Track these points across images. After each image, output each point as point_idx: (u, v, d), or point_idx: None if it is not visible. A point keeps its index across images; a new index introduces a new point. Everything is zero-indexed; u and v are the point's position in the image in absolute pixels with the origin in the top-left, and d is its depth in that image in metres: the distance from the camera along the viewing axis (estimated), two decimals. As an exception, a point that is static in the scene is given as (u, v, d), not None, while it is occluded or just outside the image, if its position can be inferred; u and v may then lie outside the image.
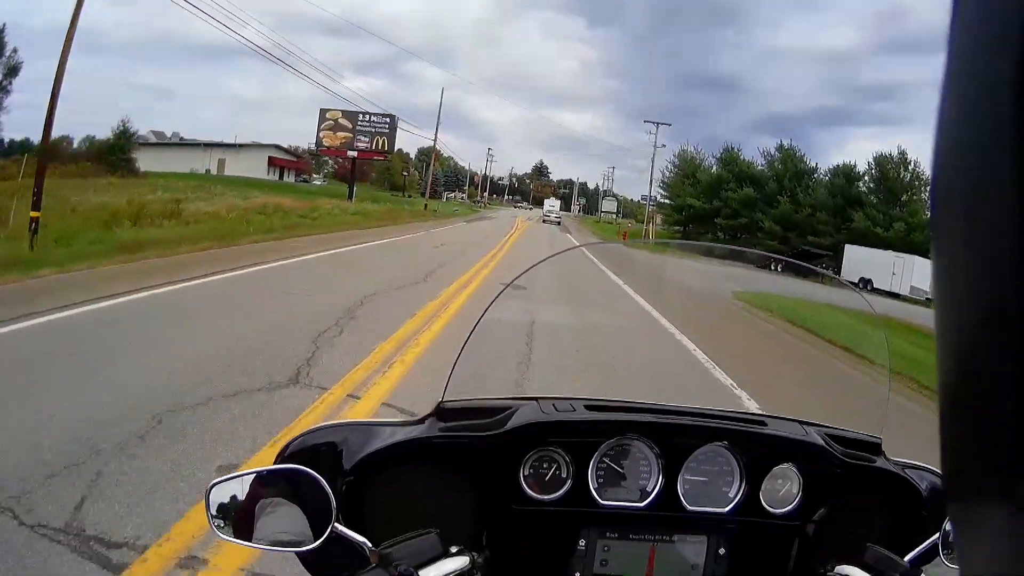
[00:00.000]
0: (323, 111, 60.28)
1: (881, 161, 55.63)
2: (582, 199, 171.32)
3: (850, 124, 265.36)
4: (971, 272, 0.38)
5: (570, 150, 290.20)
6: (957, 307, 0.39)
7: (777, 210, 56.44)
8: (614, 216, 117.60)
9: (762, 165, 62.22)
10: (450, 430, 1.44)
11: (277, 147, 78.10)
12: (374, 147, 59.64)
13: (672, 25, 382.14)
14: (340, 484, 1.31)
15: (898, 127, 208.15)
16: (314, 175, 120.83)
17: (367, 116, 59.90)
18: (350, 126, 59.65)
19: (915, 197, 53.60)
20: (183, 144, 77.93)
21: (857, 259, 46.59)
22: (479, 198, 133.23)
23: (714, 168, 65.22)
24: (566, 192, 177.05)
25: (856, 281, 45.42)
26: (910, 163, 54.32)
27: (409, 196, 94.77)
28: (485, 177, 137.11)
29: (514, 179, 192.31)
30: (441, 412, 1.45)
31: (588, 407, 1.52)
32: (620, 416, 1.51)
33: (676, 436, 1.49)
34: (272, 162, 77.28)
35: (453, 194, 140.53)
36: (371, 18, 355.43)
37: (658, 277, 17.91)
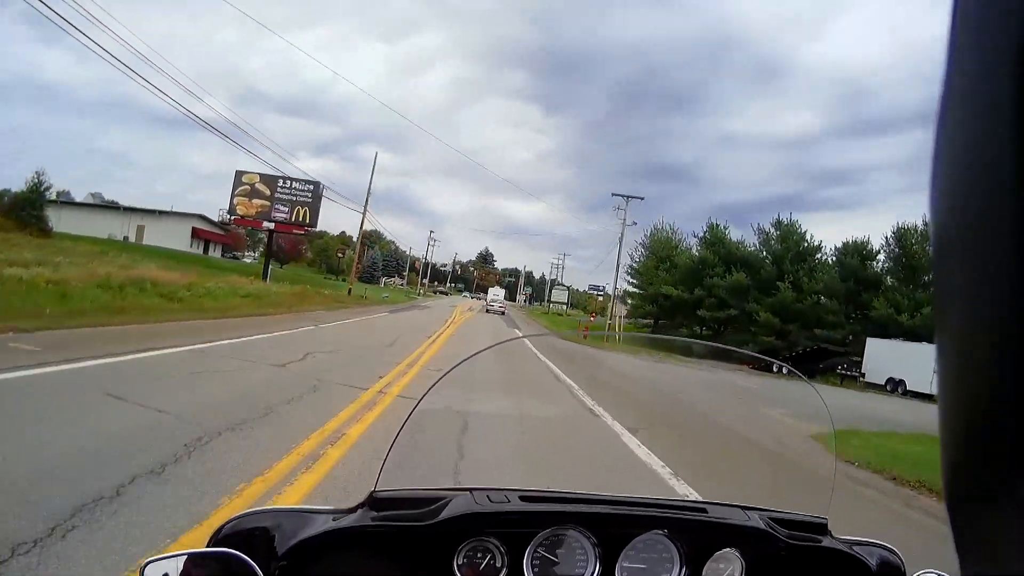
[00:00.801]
0: (239, 173, 50.96)
1: (902, 235, 47.14)
2: (528, 288, 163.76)
3: (803, 209, 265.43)
4: (971, 277, 0.38)
5: (518, 239, 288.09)
6: (957, 310, 0.39)
7: (775, 298, 47.18)
8: (564, 307, 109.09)
9: (754, 245, 53.24)
10: (383, 519, 1.44)
11: (202, 218, 69.08)
12: (294, 218, 50.39)
13: (627, 115, 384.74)
14: (273, 569, 1.31)
15: (849, 211, 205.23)
16: (247, 252, 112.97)
17: (288, 183, 50.73)
18: (268, 192, 50.59)
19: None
20: (105, 207, 71.32)
21: (882, 355, 37.76)
22: (420, 285, 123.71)
23: (695, 250, 56.13)
24: (511, 280, 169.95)
25: (884, 383, 36.97)
26: (935, 235, 46.44)
27: (343, 280, 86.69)
28: (426, 264, 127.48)
29: (458, 266, 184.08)
30: (374, 501, 1.47)
31: (523, 498, 1.54)
32: (555, 507, 1.54)
33: (613, 525, 1.52)
34: (196, 233, 69.98)
35: (392, 279, 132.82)
36: (326, 100, 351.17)
37: (654, 391, 16.82)
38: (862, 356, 39.74)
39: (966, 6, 0.39)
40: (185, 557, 1.24)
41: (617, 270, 53.52)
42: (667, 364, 31.32)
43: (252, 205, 50.32)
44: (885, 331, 40.94)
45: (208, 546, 1.32)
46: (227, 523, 1.40)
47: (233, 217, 52.21)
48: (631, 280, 61.91)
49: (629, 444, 9.61)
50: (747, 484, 8.39)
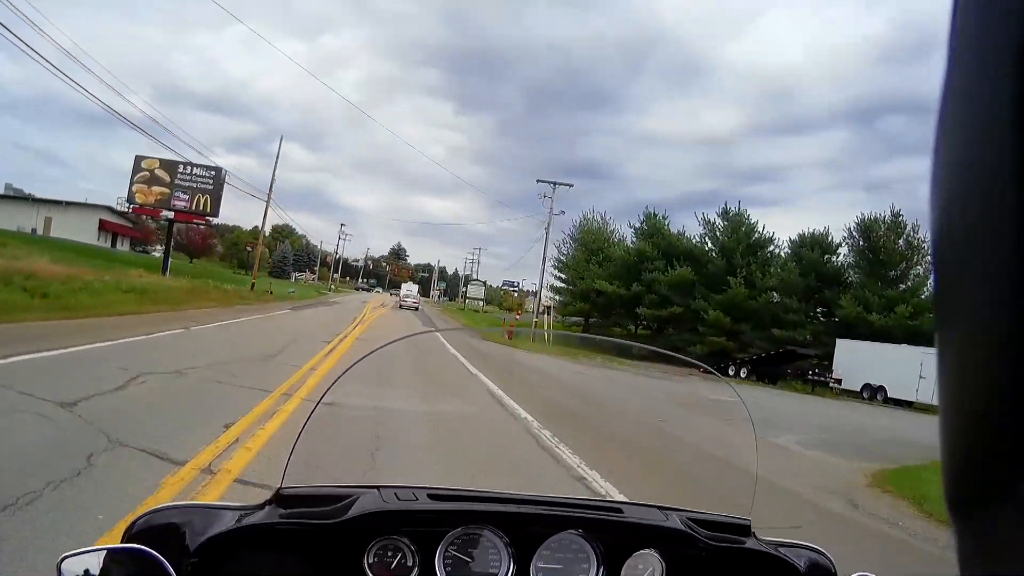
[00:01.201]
0: (138, 159, 46.58)
1: (868, 226, 43.94)
2: (442, 284, 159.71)
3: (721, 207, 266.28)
4: (971, 277, 0.38)
5: (431, 235, 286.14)
6: (957, 310, 0.40)
7: (725, 295, 43.22)
8: (481, 303, 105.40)
9: (698, 237, 49.16)
10: (291, 517, 1.43)
11: (110, 209, 63.63)
12: (195, 207, 46.43)
13: (544, 113, 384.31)
14: (185, 566, 1.30)
15: (770, 207, 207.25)
16: (159, 246, 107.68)
17: (188, 169, 46.65)
18: (168, 179, 46.57)
19: (913, 272, 42.34)
20: (15, 198, 66.14)
21: (856, 358, 34.61)
22: (331, 280, 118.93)
23: (630, 241, 52.13)
24: (425, 276, 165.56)
25: (860, 390, 33.65)
26: (904, 227, 42.85)
27: (247, 274, 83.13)
28: (337, 259, 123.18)
29: (370, 261, 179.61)
30: (280, 498, 1.46)
31: (432, 496, 1.55)
32: (465, 506, 1.54)
33: (526, 525, 1.52)
34: (104, 226, 65.80)
35: (303, 274, 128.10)
36: (245, 97, 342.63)
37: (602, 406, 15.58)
38: (831, 360, 36.70)
39: (966, 6, 0.39)
40: (103, 552, 1.23)
41: (544, 263, 49.67)
42: (610, 370, 28.23)
43: (151, 193, 46.22)
44: (852, 331, 38.24)
45: (122, 542, 1.32)
46: (139, 518, 1.40)
47: (132, 206, 47.78)
48: (559, 275, 57.69)
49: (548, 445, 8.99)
50: (671, 485, 8.22)
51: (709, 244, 48.22)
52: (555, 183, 48.82)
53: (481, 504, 1.55)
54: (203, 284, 37.42)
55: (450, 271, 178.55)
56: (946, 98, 0.40)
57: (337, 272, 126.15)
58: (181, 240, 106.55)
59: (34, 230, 57.13)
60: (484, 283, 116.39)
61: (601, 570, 1.50)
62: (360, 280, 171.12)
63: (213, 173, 47.09)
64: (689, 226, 59.36)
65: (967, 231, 0.38)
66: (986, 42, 0.36)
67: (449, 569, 1.46)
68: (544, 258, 49.35)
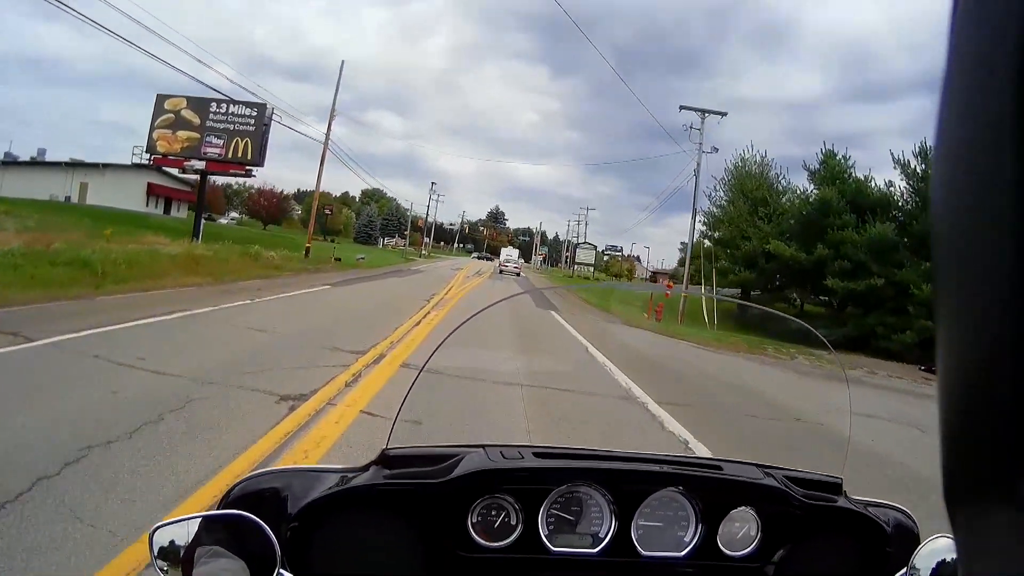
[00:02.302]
0: (160, 98, 36.65)
1: None
2: (544, 249, 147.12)
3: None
4: (972, 276, 0.39)
5: (528, 200, 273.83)
6: (959, 314, 0.40)
7: None
8: (591, 269, 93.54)
9: (886, 186, 33.05)
10: (395, 477, 1.41)
11: (161, 171, 51.34)
12: (231, 154, 35.81)
13: (633, 77, 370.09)
14: (285, 530, 1.28)
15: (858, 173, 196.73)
16: (234, 213, 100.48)
17: (223, 107, 36.11)
18: (198, 122, 36.16)
19: None
20: (47, 164, 59.38)
21: None
22: (422, 245, 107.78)
23: (808, 192, 35.99)
24: (525, 240, 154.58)
25: None
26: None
27: (333, 242, 73.53)
28: (429, 222, 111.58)
29: (466, 225, 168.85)
30: (386, 459, 1.44)
31: (537, 454, 1.52)
32: (570, 463, 1.52)
33: (628, 482, 1.51)
34: (153, 190, 59.50)
35: (392, 240, 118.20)
36: (331, 64, 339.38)
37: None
38: None
39: (966, 6, 0.39)
40: (196, 520, 1.21)
41: (693, 217, 35.28)
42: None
43: (176, 139, 36.24)
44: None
45: (218, 508, 1.29)
46: (236, 485, 1.37)
47: (153, 157, 37.41)
48: (708, 234, 42.21)
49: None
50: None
51: (910, 195, 32.13)
52: (704, 111, 35.07)
53: (586, 462, 1.52)
54: (246, 250, 27.81)
55: (550, 236, 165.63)
56: (946, 97, 0.40)
57: (429, 236, 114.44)
58: (251, 206, 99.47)
59: (68, 198, 50.76)
60: (594, 247, 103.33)
61: (700, 527, 1.50)
62: (455, 245, 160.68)
63: (255, 112, 36.25)
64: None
65: (967, 231, 0.39)
66: (986, 41, 0.37)
67: (552, 527, 1.45)
68: (693, 212, 35.37)
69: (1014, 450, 0.36)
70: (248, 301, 14.90)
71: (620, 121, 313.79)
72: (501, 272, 62.81)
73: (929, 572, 1.47)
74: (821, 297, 35.57)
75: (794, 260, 32.74)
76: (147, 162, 37.75)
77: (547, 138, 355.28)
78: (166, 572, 1.17)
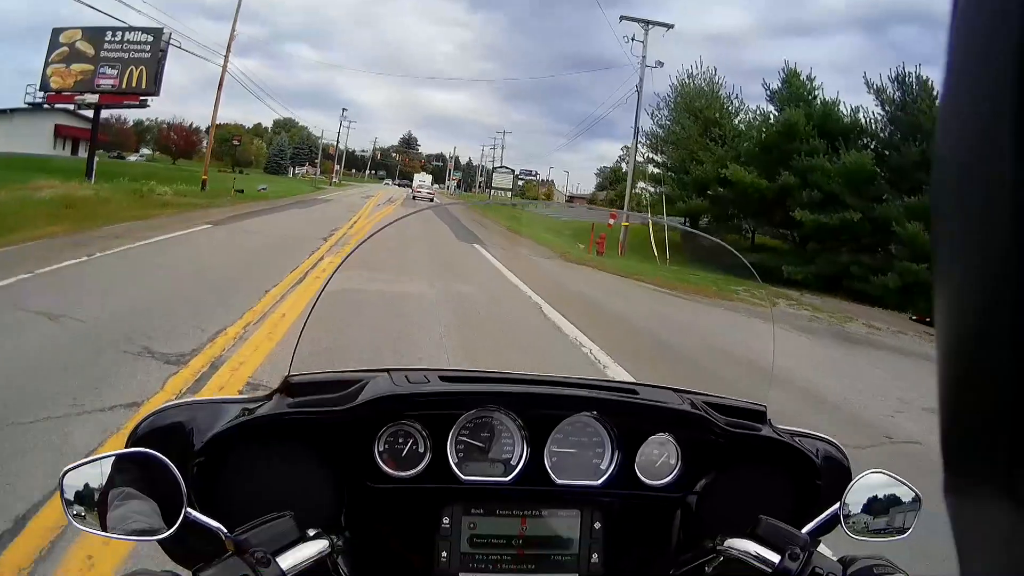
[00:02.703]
0: (56, 31, 34.06)
1: None
2: (457, 174, 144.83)
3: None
4: (972, 273, 0.39)
5: (442, 128, 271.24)
6: (957, 304, 0.40)
7: (925, 198, 24.99)
8: (508, 194, 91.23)
9: (857, 112, 29.59)
10: (298, 405, 1.39)
11: (69, 112, 49.47)
12: (126, 84, 33.52)
13: (553, 6, 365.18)
14: (191, 467, 1.27)
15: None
16: (146, 150, 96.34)
17: (118, 35, 33.67)
18: (92, 53, 33.74)
19: None
20: None
21: None
22: (333, 173, 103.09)
23: (768, 110, 32.26)
24: (438, 166, 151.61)
25: None
26: None
27: (241, 172, 71.13)
28: (340, 149, 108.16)
29: (378, 152, 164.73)
30: (288, 387, 1.41)
31: (443, 378, 1.51)
32: (478, 387, 1.51)
33: (540, 407, 1.47)
34: (60, 131, 56.17)
35: (304, 169, 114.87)
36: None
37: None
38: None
39: (966, 6, 0.39)
40: (109, 460, 1.17)
41: (636, 136, 32.58)
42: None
43: (70, 73, 33.99)
44: None
45: (126, 446, 1.27)
46: (143, 421, 1.35)
47: (47, 94, 34.82)
48: (652, 157, 38.89)
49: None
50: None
51: (880, 122, 29.24)
52: (647, 22, 32.43)
53: (494, 385, 1.50)
54: (133, 187, 25.90)
55: (463, 161, 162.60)
56: (946, 97, 0.40)
57: (340, 164, 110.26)
58: (161, 141, 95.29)
59: None
60: (512, 171, 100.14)
61: (616, 454, 1.47)
62: (367, 172, 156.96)
63: (150, 38, 33.89)
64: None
65: (968, 229, 0.39)
66: (986, 42, 0.37)
67: (462, 455, 1.42)
68: (636, 129, 32.62)
69: (1014, 447, 0.36)
70: (86, 258, 11.45)
71: (540, 53, 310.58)
72: (414, 198, 61.04)
73: (861, 507, 1.42)
74: (781, 231, 32.44)
75: (754, 188, 29.48)
76: (40, 100, 35.24)
77: (464, 68, 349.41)
78: (84, 517, 1.14)
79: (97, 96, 33.21)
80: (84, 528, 1.15)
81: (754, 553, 1.31)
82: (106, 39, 33.23)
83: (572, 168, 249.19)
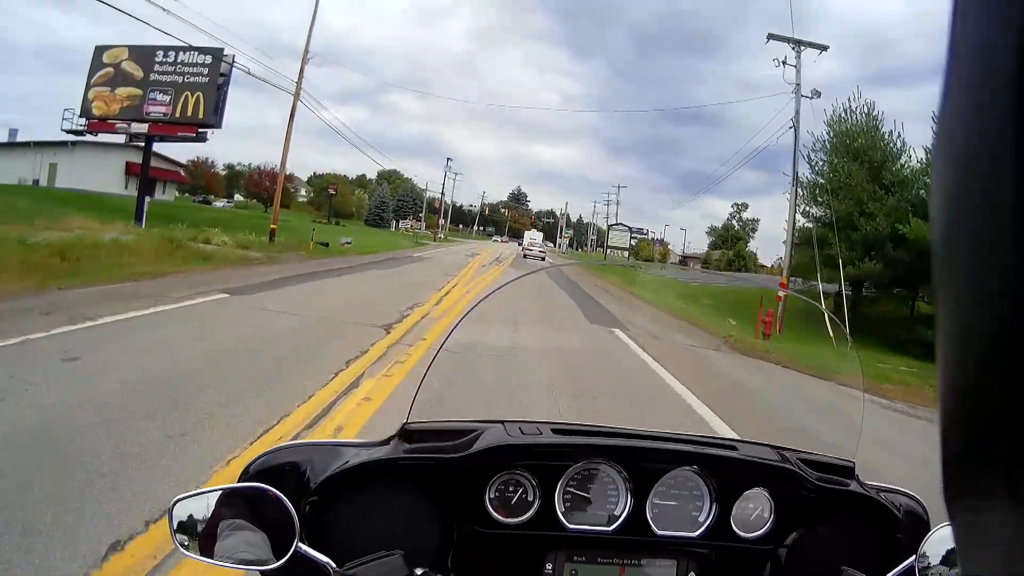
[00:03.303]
0: (99, 49, 29.62)
1: None
2: (569, 231, 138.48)
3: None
4: (972, 274, 0.39)
5: (549, 182, 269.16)
6: (959, 308, 0.40)
7: None
8: (625, 253, 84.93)
9: None
10: (415, 451, 1.42)
11: (139, 148, 43.76)
12: (180, 112, 27.96)
13: (653, 57, 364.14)
14: (304, 504, 1.29)
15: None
16: (239, 196, 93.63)
17: (171, 55, 28.22)
18: (141, 75, 28.43)
19: None
20: (15, 145, 54.71)
21: None
22: (437, 227, 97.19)
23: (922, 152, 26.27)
24: (548, 222, 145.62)
25: None
26: None
27: (338, 224, 70.41)
28: (445, 201, 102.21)
29: (486, 207, 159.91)
30: (406, 433, 1.45)
31: (555, 431, 1.53)
32: (587, 440, 1.52)
33: (644, 460, 1.50)
34: (131, 169, 49.88)
35: (407, 222, 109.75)
36: (350, 46, 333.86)
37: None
38: None
39: (966, 6, 0.40)
40: (216, 494, 1.21)
41: (795, 179, 24.74)
42: None
43: (115, 98, 29.07)
44: None
45: (238, 482, 1.29)
46: (257, 459, 1.38)
47: (88, 121, 29.45)
48: (805, 209, 30.54)
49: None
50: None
51: None
52: (799, 42, 24.91)
53: (603, 439, 1.52)
54: (151, 238, 19.50)
55: (572, 218, 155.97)
56: (946, 97, 0.40)
57: (446, 218, 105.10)
58: (251, 188, 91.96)
59: (36, 180, 48.37)
60: (628, 228, 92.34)
61: (715, 507, 1.49)
62: (475, 228, 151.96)
63: (208, 59, 28.10)
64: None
65: (968, 229, 0.39)
66: (986, 41, 0.37)
67: (568, 504, 1.45)
68: (795, 175, 24.79)
69: (1015, 448, 0.36)
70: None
71: (639, 101, 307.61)
72: (525, 256, 57.25)
73: (939, 559, 1.41)
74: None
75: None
76: (82, 128, 29.74)
77: (567, 120, 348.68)
78: (186, 546, 1.17)
79: (147, 125, 27.90)
80: (189, 555, 1.16)
81: None
82: (156, 59, 28.68)
83: (680, 226, 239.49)
